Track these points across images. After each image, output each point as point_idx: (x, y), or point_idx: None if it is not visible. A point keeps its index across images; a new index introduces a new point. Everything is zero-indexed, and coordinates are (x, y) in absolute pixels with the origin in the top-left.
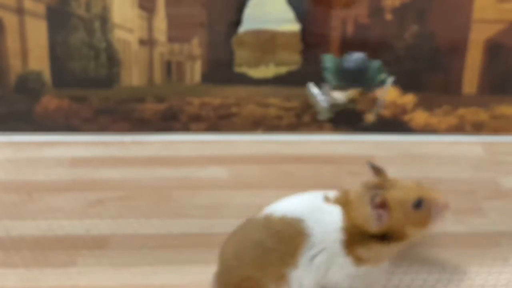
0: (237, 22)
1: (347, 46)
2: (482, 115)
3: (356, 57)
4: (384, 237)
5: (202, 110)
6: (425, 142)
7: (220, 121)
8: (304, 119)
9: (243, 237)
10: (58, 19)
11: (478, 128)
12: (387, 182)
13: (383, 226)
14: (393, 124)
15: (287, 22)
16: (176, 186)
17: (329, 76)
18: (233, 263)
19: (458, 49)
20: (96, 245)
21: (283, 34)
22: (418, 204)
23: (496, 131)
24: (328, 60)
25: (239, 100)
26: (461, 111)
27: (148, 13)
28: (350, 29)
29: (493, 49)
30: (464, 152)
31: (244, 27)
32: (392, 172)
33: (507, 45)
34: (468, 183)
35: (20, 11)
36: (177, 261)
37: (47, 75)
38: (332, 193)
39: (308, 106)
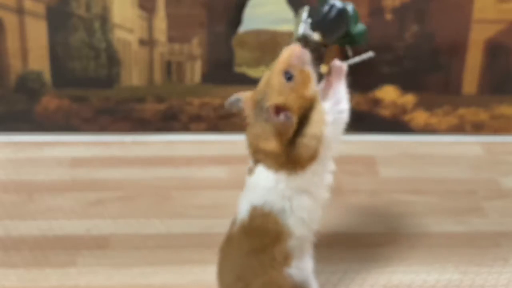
0: (237, 22)
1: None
2: (482, 115)
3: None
4: (296, 136)
5: (202, 110)
6: (425, 142)
7: (220, 121)
8: None
9: (234, 257)
10: (58, 19)
11: (478, 128)
12: (256, 95)
13: (293, 122)
14: (393, 124)
15: (287, 22)
16: (176, 186)
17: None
18: (239, 286)
19: (458, 49)
20: (96, 245)
21: (283, 34)
22: (288, 77)
23: (496, 131)
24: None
25: None
26: (461, 111)
27: (148, 13)
28: None
29: (493, 49)
30: (464, 152)
31: (244, 27)
32: (392, 172)
33: (507, 45)
34: (468, 183)
35: (20, 11)
36: (177, 261)
37: (47, 75)
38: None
39: None
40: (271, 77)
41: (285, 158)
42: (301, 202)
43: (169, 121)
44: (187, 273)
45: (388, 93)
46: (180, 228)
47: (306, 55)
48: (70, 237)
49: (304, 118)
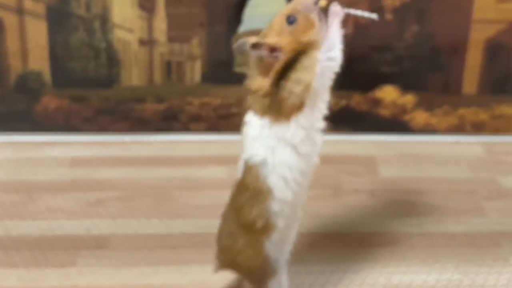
0: (237, 22)
1: (347, 46)
2: (482, 115)
3: None
4: (285, 80)
5: (202, 110)
6: (425, 142)
7: (220, 121)
8: None
9: (228, 214)
10: (58, 19)
11: (478, 128)
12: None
13: (281, 60)
14: (393, 124)
15: None
16: (176, 186)
17: None
18: (227, 242)
19: (458, 49)
20: (96, 245)
21: None
22: (290, 21)
23: (496, 131)
24: None
25: (239, 100)
26: (461, 111)
27: (148, 13)
28: (350, 29)
29: (493, 49)
30: (464, 152)
31: (244, 27)
32: (392, 172)
33: (507, 45)
34: (468, 183)
35: (20, 11)
36: (177, 261)
37: (47, 75)
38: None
39: None
40: (274, 19)
41: (270, 102)
42: (284, 156)
43: (169, 121)
44: (187, 273)
45: (388, 93)
46: (180, 228)
47: (315, 3)
48: (70, 237)
49: (295, 63)
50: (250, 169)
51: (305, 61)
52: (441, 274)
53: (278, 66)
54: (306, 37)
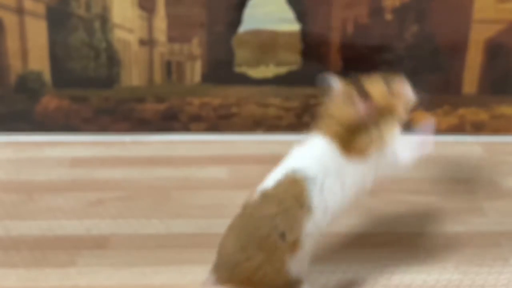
0: (237, 22)
1: (347, 46)
2: (482, 115)
3: None
4: (367, 128)
5: (202, 110)
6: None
7: (220, 121)
8: (304, 119)
9: (244, 228)
10: (58, 19)
11: (478, 128)
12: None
13: (369, 109)
14: None
15: (287, 22)
16: (176, 186)
17: None
18: (240, 257)
19: (458, 49)
20: (96, 245)
21: (283, 34)
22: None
23: (496, 131)
24: None
25: (239, 100)
26: (461, 111)
27: (148, 13)
28: (350, 29)
29: (493, 49)
30: (464, 152)
31: (244, 27)
32: None
33: (507, 45)
34: (468, 183)
35: (20, 11)
36: (177, 261)
37: (47, 75)
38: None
39: (308, 106)
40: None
41: (343, 132)
42: (333, 186)
43: (169, 121)
44: (187, 273)
45: None
46: (180, 228)
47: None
48: (70, 237)
49: (381, 121)
50: (295, 182)
51: (389, 126)
52: (441, 274)
53: (373, 114)
54: (399, 109)
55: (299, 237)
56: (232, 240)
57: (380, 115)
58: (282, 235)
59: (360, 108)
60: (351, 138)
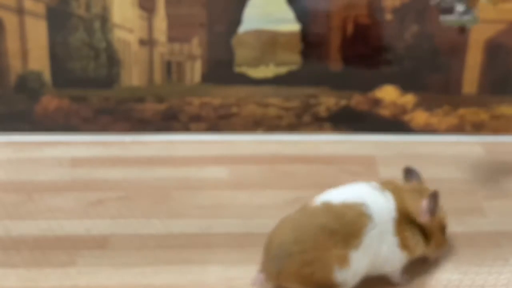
0: (237, 22)
1: (347, 46)
2: (482, 115)
3: None
4: (425, 235)
5: (202, 110)
6: (425, 142)
7: (220, 121)
8: (304, 119)
9: (301, 223)
10: (58, 19)
11: (478, 128)
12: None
13: (429, 221)
14: (393, 124)
15: (287, 22)
16: (176, 186)
17: None
18: (295, 248)
19: (458, 49)
20: (96, 245)
21: (283, 34)
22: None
23: (496, 131)
24: None
25: (239, 100)
26: (461, 111)
27: (148, 13)
28: (350, 29)
29: (493, 49)
30: (464, 152)
31: (244, 27)
32: (392, 172)
33: (507, 45)
34: (468, 183)
35: (20, 11)
36: (177, 261)
37: (47, 75)
38: (375, 184)
39: (308, 106)
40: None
41: (411, 220)
42: (378, 244)
43: (169, 121)
44: (187, 273)
45: (388, 93)
46: (180, 228)
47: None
48: (70, 237)
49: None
50: (360, 214)
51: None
52: (441, 274)
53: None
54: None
55: (347, 256)
56: (287, 232)
57: (429, 228)
58: (335, 246)
59: (425, 215)
60: (408, 230)
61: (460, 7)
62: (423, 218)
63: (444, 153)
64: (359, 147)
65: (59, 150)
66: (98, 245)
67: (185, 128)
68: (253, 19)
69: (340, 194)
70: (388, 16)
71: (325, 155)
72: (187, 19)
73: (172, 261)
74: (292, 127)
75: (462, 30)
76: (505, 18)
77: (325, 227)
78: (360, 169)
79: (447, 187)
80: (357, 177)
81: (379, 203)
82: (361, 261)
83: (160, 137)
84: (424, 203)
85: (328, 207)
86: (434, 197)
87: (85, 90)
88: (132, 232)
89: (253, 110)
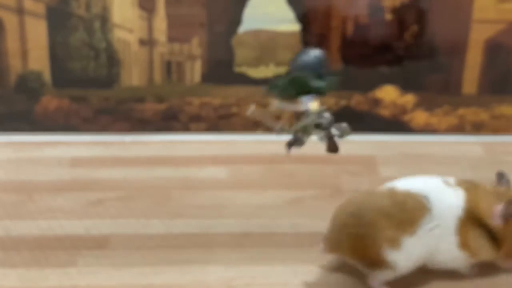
0: (237, 22)
1: (347, 46)
2: (482, 115)
3: (314, 52)
4: (495, 240)
5: (202, 110)
6: (425, 142)
7: (220, 121)
8: None
9: (364, 201)
10: (58, 19)
11: (478, 128)
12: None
13: (502, 226)
14: (393, 124)
15: (287, 22)
16: (176, 186)
17: (277, 83)
18: (350, 221)
19: (458, 49)
20: (96, 245)
21: (283, 34)
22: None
23: (496, 131)
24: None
25: (239, 100)
26: (461, 111)
27: (148, 13)
28: (350, 29)
29: (493, 49)
30: (464, 152)
31: (244, 27)
32: (392, 172)
33: (507, 45)
34: None
35: (20, 11)
36: (177, 261)
37: (47, 75)
38: (452, 179)
39: None
40: None
41: (481, 222)
42: (449, 245)
43: (169, 121)
44: (187, 273)
45: (388, 93)
46: (180, 228)
47: None
48: (70, 237)
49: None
50: (421, 205)
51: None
52: (441, 273)
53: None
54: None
55: (399, 239)
56: (348, 207)
57: (500, 233)
58: (388, 227)
59: (497, 219)
60: (473, 231)
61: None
62: (495, 221)
63: (444, 153)
64: (359, 147)
65: (59, 150)
66: (98, 245)
67: (185, 128)
68: (253, 19)
69: (407, 183)
70: (388, 16)
71: (325, 155)
72: (187, 19)
73: (172, 261)
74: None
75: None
76: (505, 18)
77: (383, 209)
78: (360, 169)
79: None
80: (357, 177)
81: (445, 199)
82: (415, 249)
83: (160, 137)
84: (500, 207)
85: (391, 193)
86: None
87: (85, 90)
88: (132, 232)
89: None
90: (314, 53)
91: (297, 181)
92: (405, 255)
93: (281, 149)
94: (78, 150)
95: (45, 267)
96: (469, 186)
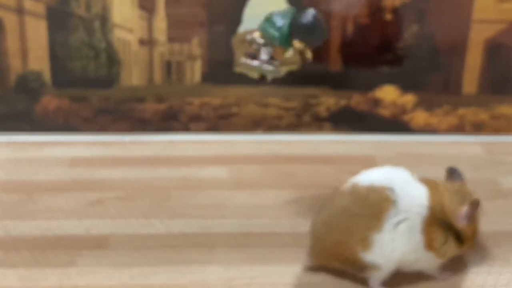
0: (237, 22)
1: (347, 46)
2: (482, 115)
3: (311, 12)
4: (459, 238)
5: (202, 110)
6: (425, 142)
7: (220, 121)
8: (304, 119)
9: (331, 206)
10: (58, 19)
11: (478, 128)
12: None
13: (466, 226)
14: (393, 124)
15: None
16: (176, 186)
17: (277, 34)
18: (323, 230)
19: (458, 49)
20: (96, 245)
21: None
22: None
23: (496, 131)
24: (280, 18)
25: (239, 100)
26: (461, 111)
27: (148, 13)
28: (350, 29)
29: (493, 49)
30: (464, 152)
31: (244, 27)
32: None
33: (507, 45)
34: (468, 183)
35: (20, 11)
36: (177, 261)
37: (47, 75)
38: (415, 175)
39: (308, 106)
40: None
41: (445, 222)
42: (416, 244)
43: (169, 121)
44: (187, 273)
45: (388, 93)
46: (180, 228)
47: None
48: (70, 237)
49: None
50: (385, 199)
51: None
52: (440, 274)
53: (464, 229)
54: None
55: (368, 239)
56: (320, 217)
57: (464, 233)
58: (357, 228)
59: (463, 219)
60: (438, 231)
61: (264, 55)
62: (461, 223)
63: (444, 153)
64: (359, 147)
65: (59, 150)
66: (98, 245)
67: (185, 128)
68: (253, 19)
69: (369, 176)
70: (388, 16)
71: (325, 155)
72: (187, 19)
73: (172, 261)
74: (292, 127)
75: (262, 78)
76: (505, 18)
77: (347, 209)
78: (360, 169)
79: None
80: None
81: (410, 192)
82: (387, 245)
83: (160, 137)
84: (465, 209)
85: (354, 189)
86: (476, 205)
87: (85, 90)
88: (132, 232)
89: (253, 110)
90: (311, 12)
91: (297, 181)
92: (379, 253)
93: (281, 149)
94: (78, 150)
95: (45, 267)
96: (431, 184)
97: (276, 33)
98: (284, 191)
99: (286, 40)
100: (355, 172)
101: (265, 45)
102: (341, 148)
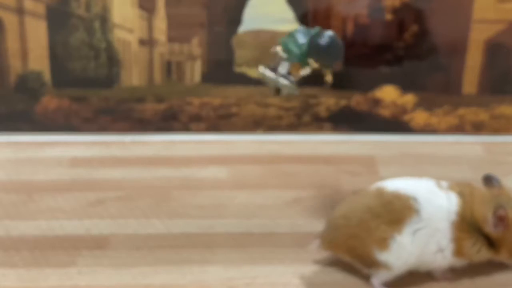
0: (237, 22)
1: (347, 46)
2: (482, 115)
3: (329, 34)
4: (491, 244)
5: (202, 110)
6: (425, 142)
7: (220, 121)
8: (304, 119)
9: (354, 202)
10: (58, 19)
11: (478, 128)
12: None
13: (497, 233)
14: (393, 124)
15: (287, 22)
16: (176, 186)
17: (297, 51)
18: (342, 222)
19: (458, 49)
20: (96, 245)
21: (283, 34)
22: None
23: (496, 131)
24: (302, 35)
25: (239, 100)
26: (461, 111)
27: (148, 13)
28: (350, 29)
29: (493, 49)
30: (464, 152)
31: (244, 27)
32: (392, 172)
33: (507, 45)
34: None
35: (20, 11)
36: (177, 261)
37: (47, 75)
38: (445, 183)
39: (308, 106)
40: None
41: (476, 227)
42: (444, 251)
43: (169, 121)
44: (187, 273)
45: (388, 93)
46: (180, 228)
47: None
48: (70, 237)
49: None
50: (408, 207)
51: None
52: (442, 273)
53: (496, 236)
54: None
55: (387, 240)
56: (341, 208)
57: (496, 239)
58: (377, 228)
59: (493, 225)
60: (468, 238)
61: (282, 69)
62: (490, 228)
63: (444, 153)
64: (359, 147)
65: (59, 150)
66: (98, 245)
67: (185, 128)
68: (253, 19)
69: (396, 184)
70: (388, 16)
71: (325, 155)
72: (187, 19)
73: (172, 261)
74: (292, 127)
75: (277, 91)
76: (505, 18)
77: (371, 208)
78: (360, 169)
79: None
80: (357, 177)
81: (434, 202)
82: (404, 250)
83: (160, 137)
84: (490, 218)
85: (379, 193)
86: (499, 218)
87: (85, 90)
88: (132, 232)
89: (253, 110)
90: (328, 34)
91: (297, 181)
92: (395, 254)
93: (281, 149)
94: (78, 150)
95: (45, 267)
96: (464, 190)
97: (296, 50)
98: (284, 191)
99: (303, 58)
100: (355, 172)
101: (286, 60)
102: (341, 148)
